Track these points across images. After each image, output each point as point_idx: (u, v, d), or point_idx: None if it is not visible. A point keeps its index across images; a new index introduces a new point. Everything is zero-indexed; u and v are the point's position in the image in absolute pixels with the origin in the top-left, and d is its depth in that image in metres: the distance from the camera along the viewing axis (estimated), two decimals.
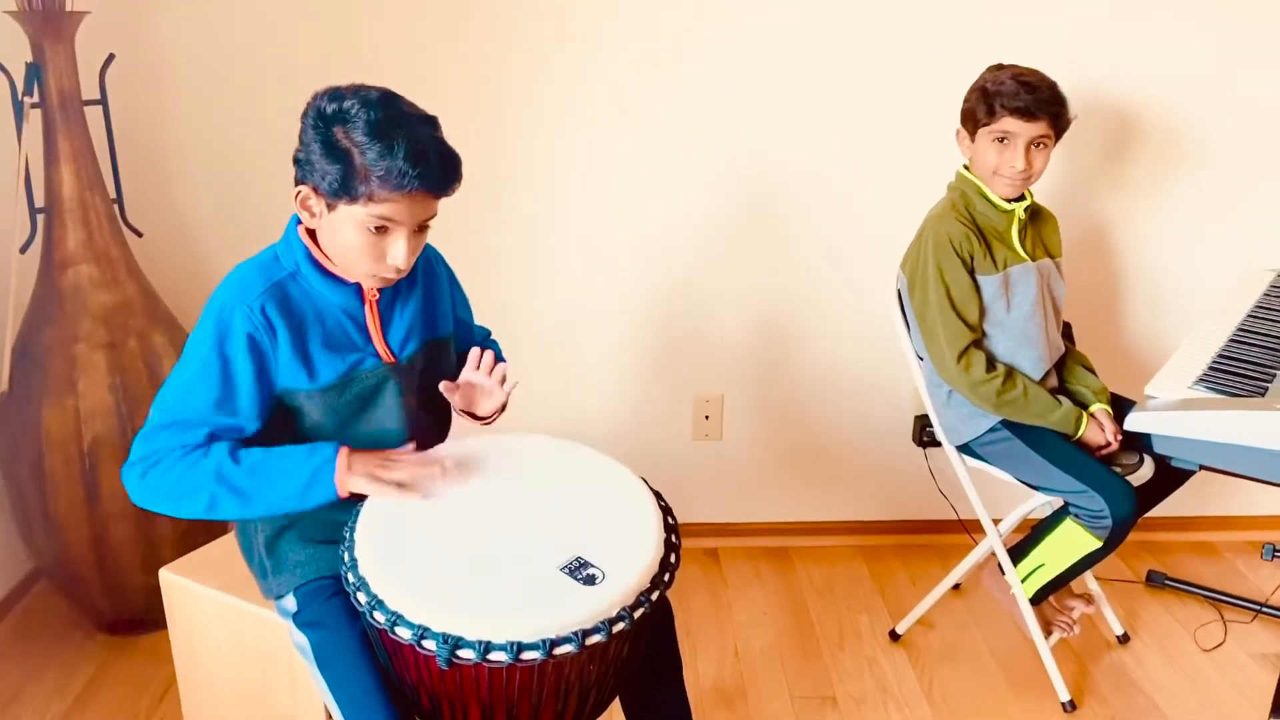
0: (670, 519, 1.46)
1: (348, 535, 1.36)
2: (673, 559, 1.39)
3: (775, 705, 2.12)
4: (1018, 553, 2.08)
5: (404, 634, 1.23)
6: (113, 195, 2.17)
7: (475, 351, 1.58)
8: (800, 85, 2.35)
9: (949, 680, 2.19)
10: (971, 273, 1.99)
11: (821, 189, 2.43)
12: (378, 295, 1.47)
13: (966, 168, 2.05)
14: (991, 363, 2.00)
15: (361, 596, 1.28)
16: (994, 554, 2.12)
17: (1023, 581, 2.06)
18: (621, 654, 1.37)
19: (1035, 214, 2.11)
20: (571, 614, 1.24)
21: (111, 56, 2.11)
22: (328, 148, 1.31)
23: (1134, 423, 1.62)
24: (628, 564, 1.32)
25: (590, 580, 1.29)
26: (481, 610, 1.24)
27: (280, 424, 1.44)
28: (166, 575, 1.63)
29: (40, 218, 2.10)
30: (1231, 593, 2.44)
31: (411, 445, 1.47)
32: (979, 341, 2.01)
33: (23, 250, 2.10)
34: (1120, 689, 2.16)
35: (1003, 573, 2.09)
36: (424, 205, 1.36)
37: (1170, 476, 2.02)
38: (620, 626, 1.27)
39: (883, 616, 2.42)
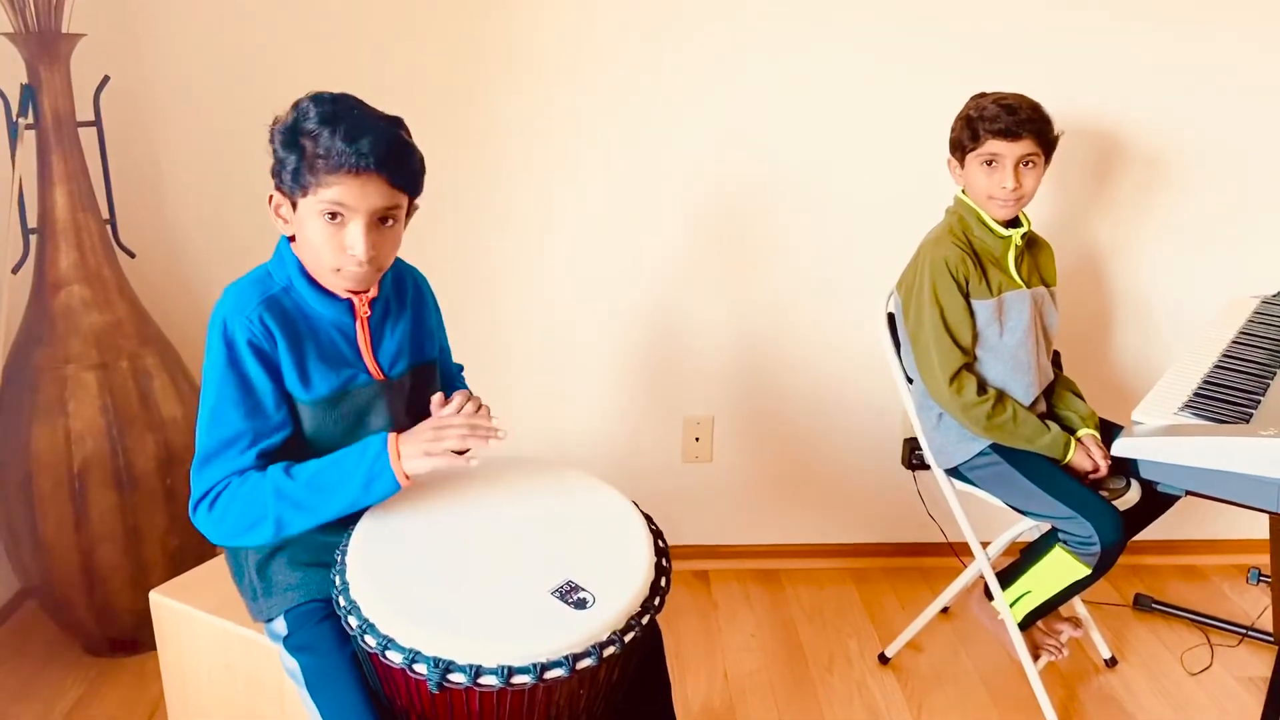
0: (661, 542, 1.46)
1: (339, 559, 1.36)
2: (663, 583, 1.39)
3: None
4: (1006, 577, 2.09)
5: (395, 658, 1.23)
6: (106, 216, 2.18)
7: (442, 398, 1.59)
8: (789, 107, 2.38)
9: (938, 704, 2.19)
10: (966, 297, 2.01)
11: (809, 211, 2.45)
12: (369, 311, 1.48)
13: (964, 193, 2.08)
14: (982, 386, 2.02)
15: (353, 620, 1.28)
16: (981, 578, 2.12)
17: (1011, 606, 2.07)
18: (612, 678, 1.37)
19: (1032, 242, 2.14)
20: (562, 638, 1.24)
21: (106, 78, 2.13)
22: (286, 144, 1.35)
23: (1121, 448, 1.63)
24: (618, 588, 1.33)
25: (581, 604, 1.30)
26: (472, 634, 1.24)
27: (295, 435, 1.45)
28: (156, 597, 1.63)
29: (33, 238, 2.10)
30: (1218, 616, 2.46)
31: (452, 397, 1.48)
32: (970, 365, 2.03)
33: (15, 270, 2.11)
34: (1107, 713, 2.17)
35: (990, 598, 2.10)
36: (375, 190, 1.36)
37: (1157, 501, 2.03)
38: (611, 650, 1.27)
39: (872, 640, 2.42)
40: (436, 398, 1.55)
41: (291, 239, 1.45)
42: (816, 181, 2.43)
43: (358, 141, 1.32)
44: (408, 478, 1.38)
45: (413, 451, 1.37)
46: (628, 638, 1.29)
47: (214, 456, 1.39)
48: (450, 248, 2.44)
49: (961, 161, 2.04)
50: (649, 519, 1.50)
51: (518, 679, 1.22)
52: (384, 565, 1.34)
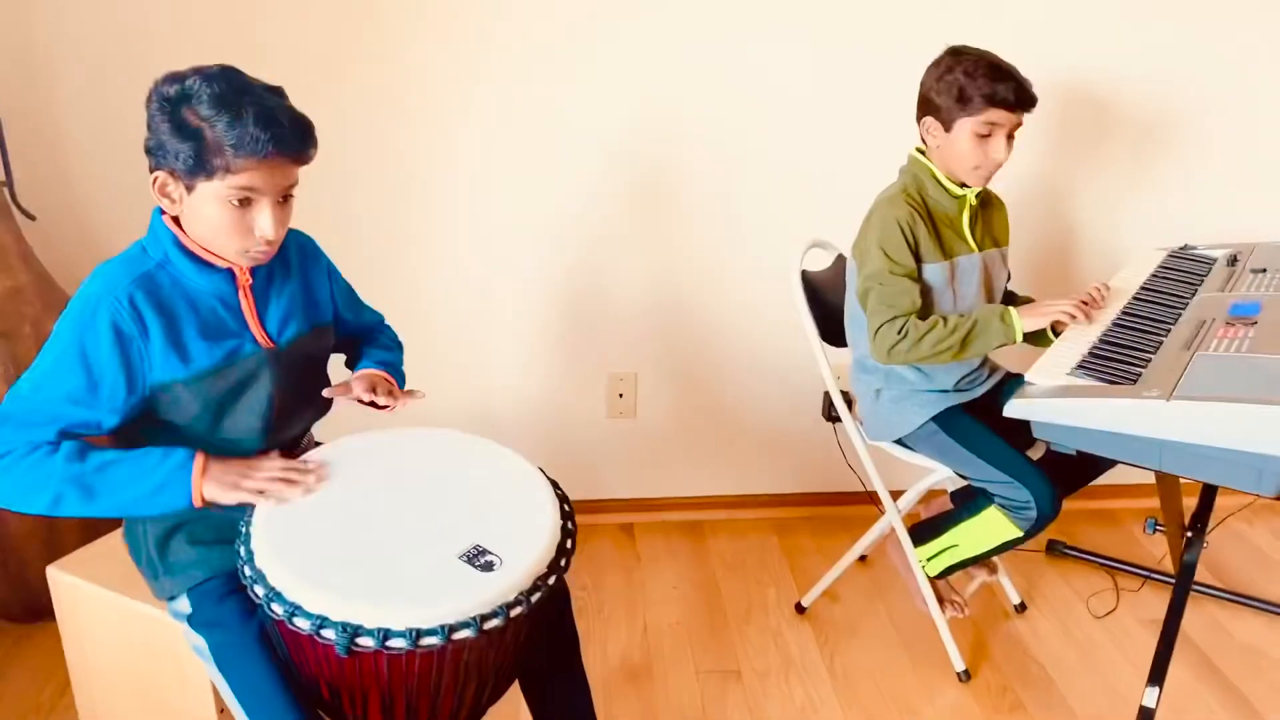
0: (566, 506, 1.49)
1: (243, 529, 1.36)
2: (569, 544, 1.41)
3: (680, 681, 2.16)
4: (932, 529, 2.12)
5: (303, 624, 1.24)
6: (1, 178, 2.11)
7: (366, 380, 1.59)
8: (705, 57, 2.37)
9: (851, 652, 2.26)
10: (918, 260, 1.97)
11: (728, 162, 2.45)
12: (250, 279, 1.46)
13: (921, 151, 2.04)
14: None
15: (259, 589, 1.28)
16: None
17: (933, 559, 2.12)
18: (519, 638, 1.39)
19: (985, 201, 2.11)
20: (470, 600, 1.26)
21: None
22: (176, 128, 1.30)
23: (1013, 409, 1.68)
24: (525, 550, 1.34)
25: (488, 567, 1.31)
26: (380, 598, 1.25)
27: (155, 423, 1.43)
28: (54, 572, 1.60)
29: None
30: (1128, 560, 2.55)
31: (275, 454, 1.46)
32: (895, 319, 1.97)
33: None
34: (1014, 658, 2.25)
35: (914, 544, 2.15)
36: (283, 172, 1.36)
37: (1090, 462, 2.08)
38: (518, 611, 1.29)
39: (790, 589, 2.48)
40: (356, 383, 1.57)
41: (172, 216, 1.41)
42: (735, 133, 2.43)
43: (270, 128, 1.30)
44: (204, 500, 1.37)
45: (221, 478, 1.37)
46: (534, 598, 1.32)
47: (16, 420, 1.34)
48: (358, 209, 2.41)
49: (947, 125, 1.96)
50: (555, 484, 1.52)
51: (426, 640, 1.24)
52: (289, 534, 1.34)
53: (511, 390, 2.61)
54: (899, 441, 2.14)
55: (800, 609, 2.39)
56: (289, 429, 1.56)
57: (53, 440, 1.35)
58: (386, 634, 1.23)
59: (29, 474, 1.33)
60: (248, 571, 1.31)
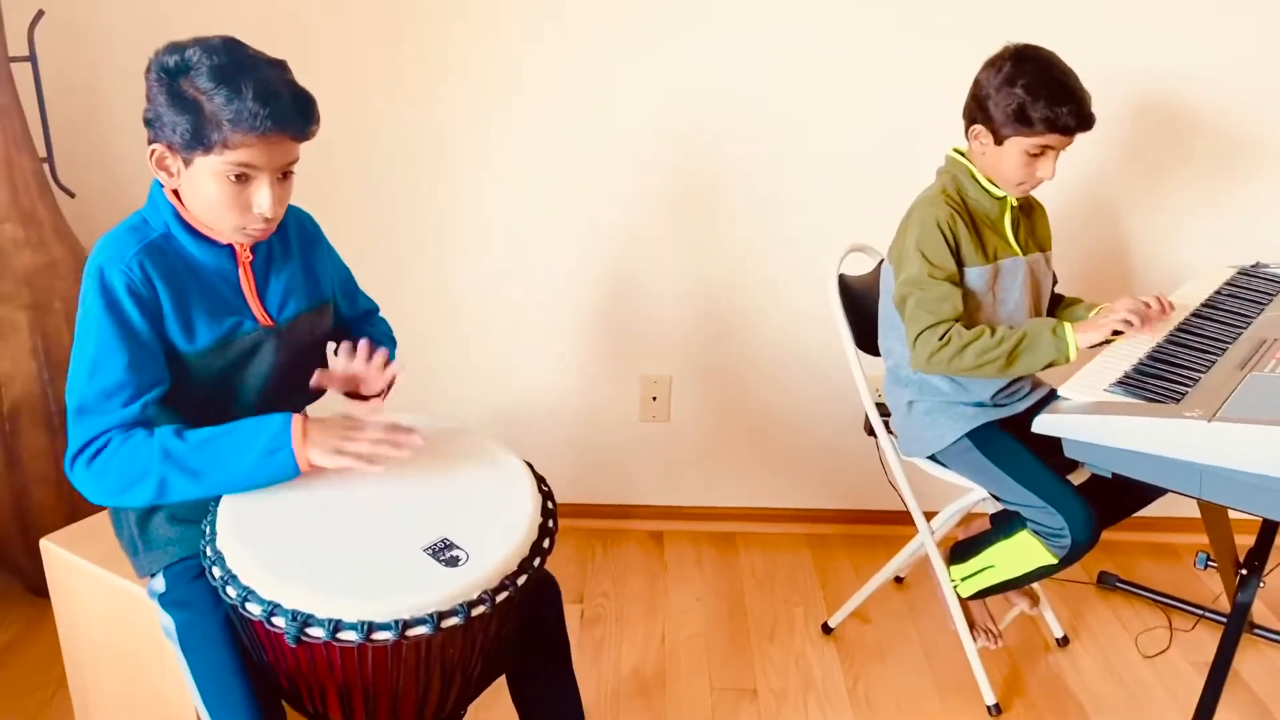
0: (550, 504, 1.42)
1: (212, 507, 1.33)
2: (546, 544, 1.35)
3: (693, 696, 2.08)
4: (969, 548, 2.00)
5: (254, 610, 1.20)
6: (43, 155, 2.14)
7: (350, 346, 1.53)
8: (752, 52, 2.29)
9: (876, 678, 2.14)
10: (960, 263, 1.86)
11: (775, 162, 2.36)
12: (251, 256, 1.43)
13: (960, 152, 1.94)
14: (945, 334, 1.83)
15: (216, 571, 1.25)
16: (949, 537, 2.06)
17: (966, 579, 2.00)
18: (489, 637, 1.33)
19: (1025, 204, 2.00)
20: (427, 595, 1.21)
21: (41, 13, 2.08)
22: (174, 100, 1.27)
23: (1041, 424, 1.56)
24: (494, 547, 1.29)
25: (453, 562, 1.26)
26: (335, 588, 1.21)
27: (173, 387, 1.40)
28: (47, 544, 1.60)
29: None
30: (1183, 597, 2.38)
31: (378, 401, 1.42)
32: (938, 326, 1.83)
33: None
34: (1052, 694, 2.11)
35: (953, 561, 2.03)
36: (283, 148, 1.32)
37: (1137, 492, 1.94)
38: (480, 610, 1.23)
39: (819, 608, 2.37)
40: (342, 350, 1.51)
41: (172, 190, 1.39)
42: (782, 130, 2.34)
43: (269, 103, 1.27)
44: (310, 465, 1.32)
45: (323, 442, 1.32)
46: (500, 597, 1.25)
47: (94, 408, 1.33)
48: (391, 206, 2.39)
49: (998, 138, 1.83)
50: (541, 480, 1.45)
51: (378, 635, 1.19)
52: (254, 517, 1.30)
53: (542, 389, 2.56)
54: (933, 458, 2.02)
55: (827, 630, 2.28)
56: (286, 407, 1.52)
57: (139, 418, 1.33)
58: (338, 625, 1.18)
59: (130, 462, 1.31)
60: (209, 552, 1.28)
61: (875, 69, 2.28)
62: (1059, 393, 1.61)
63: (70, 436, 1.35)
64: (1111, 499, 1.89)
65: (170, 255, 1.38)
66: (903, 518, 2.51)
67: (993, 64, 1.85)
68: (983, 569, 1.97)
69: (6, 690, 2.03)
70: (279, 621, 1.19)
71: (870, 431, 2.52)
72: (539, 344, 2.52)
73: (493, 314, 2.49)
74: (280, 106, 1.28)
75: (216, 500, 1.33)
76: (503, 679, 1.57)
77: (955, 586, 2.03)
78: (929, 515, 2.07)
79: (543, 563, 1.33)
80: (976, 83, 1.88)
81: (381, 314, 1.80)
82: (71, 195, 2.21)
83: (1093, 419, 1.51)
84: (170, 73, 1.28)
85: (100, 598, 1.56)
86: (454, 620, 1.21)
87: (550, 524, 1.39)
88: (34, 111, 2.12)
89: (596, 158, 2.36)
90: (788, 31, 2.26)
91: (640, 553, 2.58)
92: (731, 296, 2.48)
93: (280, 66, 1.34)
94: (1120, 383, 1.59)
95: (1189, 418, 1.43)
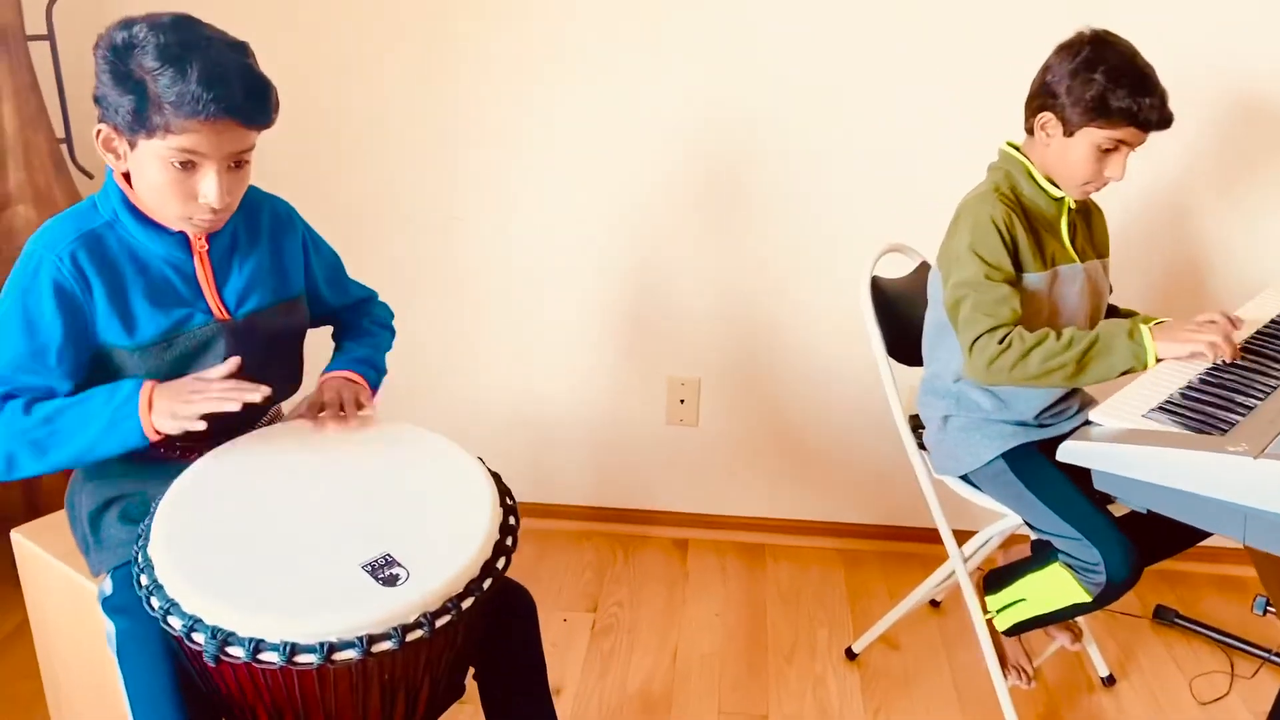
0: (512, 519, 1.32)
1: (153, 508, 1.26)
2: (499, 564, 1.25)
3: (698, 719, 1.96)
4: (1003, 577, 1.84)
5: (175, 624, 1.12)
6: (61, 135, 2.12)
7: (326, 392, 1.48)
8: (787, 46, 2.15)
9: (898, 710, 2.00)
10: (1017, 266, 1.69)
11: (809, 160, 2.22)
12: (206, 245, 1.36)
13: (1014, 146, 1.77)
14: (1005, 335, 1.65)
15: (144, 579, 1.18)
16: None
17: (1003, 610, 1.84)
18: (434, 660, 1.24)
19: (1083, 206, 1.83)
20: (358, 617, 1.12)
21: None
22: (118, 79, 1.21)
23: (1066, 452, 1.40)
24: (439, 567, 1.19)
25: (391, 580, 1.17)
26: (260, 606, 1.12)
27: (96, 375, 1.34)
28: (16, 536, 1.56)
29: None
30: (1248, 639, 2.17)
31: (233, 362, 1.34)
32: (996, 329, 1.65)
33: None
34: None
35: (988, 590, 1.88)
36: (231, 135, 1.24)
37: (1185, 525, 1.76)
38: (417, 635, 1.14)
39: (845, 631, 2.23)
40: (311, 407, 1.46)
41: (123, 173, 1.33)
42: (817, 127, 2.20)
43: (215, 87, 1.19)
44: (158, 433, 1.26)
45: (165, 407, 1.25)
46: (440, 622, 1.16)
47: None
48: (418, 197, 2.31)
49: (1068, 129, 1.67)
50: (508, 494, 1.35)
51: (302, 658, 1.10)
52: (191, 523, 1.23)
53: (566, 388, 2.46)
54: (965, 479, 1.87)
55: (850, 655, 2.14)
56: (245, 406, 1.45)
57: None
58: (259, 645, 1.10)
59: None
60: (139, 559, 1.21)
61: (916, 62, 2.12)
62: (1090, 417, 1.44)
63: None
64: (1158, 533, 1.71)
65: (112, 244, 1.31)
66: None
67: (1068, 47, 1.67)
68: (1016, 600, 1.81)
69: (9, 676, 2.02)
70: (198, 638, 1.11)
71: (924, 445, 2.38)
72: (563, 342, 2.42)
73: (517, 308, 2.40)
74: (226, 91, 1.20)
75: (158, 501, 1.26)
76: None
77: (991, 618, 1.87)
78: (968, 534, 1.92)
79: (494, 586, 1.23)
80: (1047, 67, 1.70)
81: (382, 300, 1.73)
82: (90, 176, 2.19)
83: (1124, 449, 1.35)
84: (116, 50, 1.22)
85: (62, 592, 1.51)
86: (387, 645, 1.12)
87: (509, 541, 1.28)
88: (52, 92, 2.10)
89: (625, 152, 2.25)
90: (823, 24, 2.12)
91: (662, 561, 2.47)
92: (763, 297, 2.34)
93: (238, 49, 1.26)
94: (1162, 408, 1.42)
95: (1232, 453, 1.26)
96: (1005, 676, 1.91)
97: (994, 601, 1.86)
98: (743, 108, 2.20)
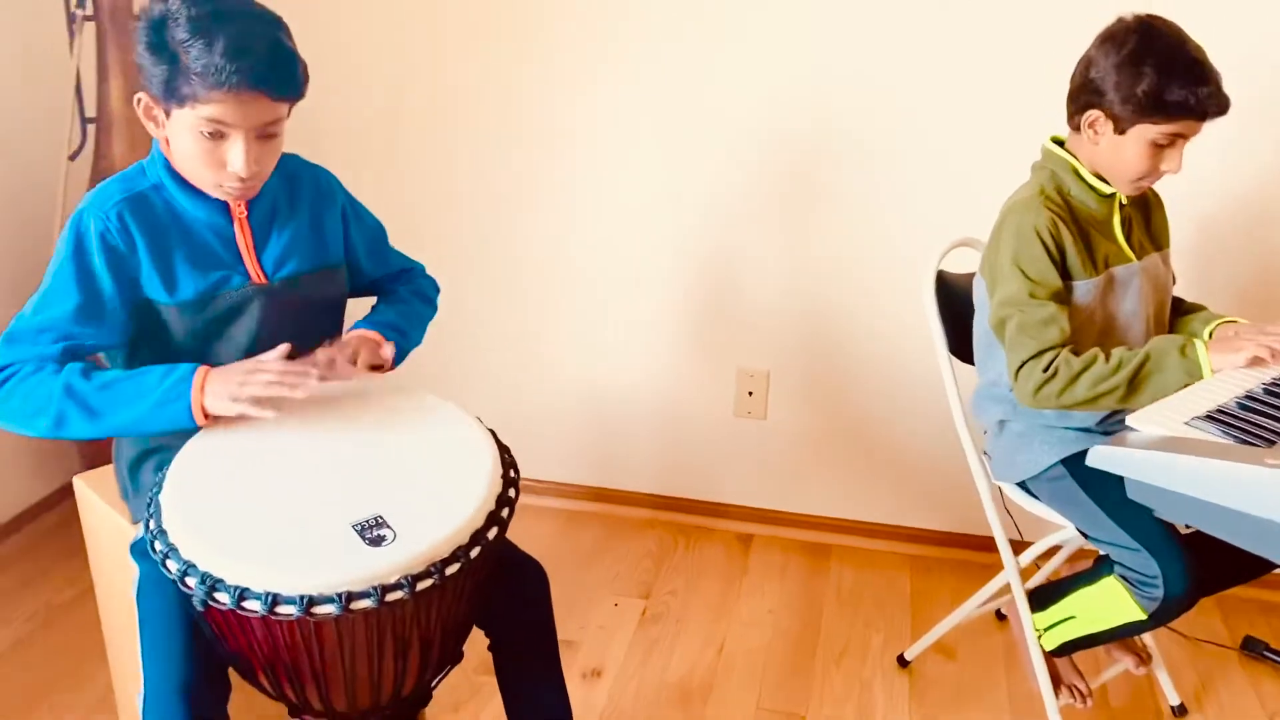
0: (512, 491, 1.32)
1: (172, 459, 1.32)
2: (491, 533, 1.25)
3: (734, 714, 1.93)
4: (1052, 593, 1.76)
5: (173, 567, 1.17)
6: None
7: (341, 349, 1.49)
8: (865, 38, 2.09)
9: None
10: (1066, 275, 1.61)
11: (888, 151, 2.16)
12: (245, 211, 1.41)
13: (1058, 141, 1.68)
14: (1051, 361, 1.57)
15: (152, 524, 1.23)
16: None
17: (1050, 629, 1.76)
18: (424, 621, 1.26)
19: (1140, 197, 1.72)
20: (338, 574, 1.14)
21: None
22: (153, 49, 1.26)
23: (1097, 458, 1.32)
24: (426, 530, 1.20)
25: (377, 541, 1.19)
26: (248, 556, 1.16)
27: (148, 343, 1.40)
28: (78, 483, 1.66)
29: (90, 128, 2.19)
30: None
31: (285, 348, 1.37)
32: (1046, 352, 1.57)
33: (72, 158, 2.21)
34: None
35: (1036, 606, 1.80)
36: (259, 107, 1.28)
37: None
38: (397, 595, 1.15)
39: (902, 637, 2.16)
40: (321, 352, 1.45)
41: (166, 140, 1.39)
42: (888, 120, 2.13)
43: (240, 59, 1.24)
44: (207, 415, 1.30)
45: (218, 391, 1.29)
46: (422, 585, 1.17)
47: (21, 338, 1.33)
48: (487, 184, 2.36)
49: (1120, 127, 1.56)
50: (512, 466, 1.36)
51: (282, 609, 1.13)
52: (202, 475, 1.28)
53: (632, 376, 2.47)
54: (1023, 486, 1.78)
55: (903, 662, 2.07)
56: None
57: (57, 358, 1.34)
58: (243, 594, 1.14)
59: (33, 394, 1.32)
60: (150, 506, 1.26)
61: (985, 53, 2.04)
62: (1129, 421, 1.36)
63: None
64: (1227, 554, 1.59)
65: (157, 206, 1.38)
66: (1019, 548, 2.26)
67: (1111, 38, 1.56)
68: (1065, 618, 1.72)
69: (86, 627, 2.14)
70: (191, 582, 1.16)
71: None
72: (634, 331, 2.42)
73: (588, 300, 2.42)
74: (251, 63, 1.24)
75: (179, 453, 1.32)
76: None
77: (1039, 637, 1.79)
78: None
79: (484, 553, 1.24)
80: (1090, 61, 1.58)
81: (429, 273, 1.75)
82: None
83: (1155, 457, 1.27)
84: (154, 23, 1.27)
85: (111, 536, 1.60)
86: (365, 602, 1.14)
87: (504, 512, 1.29)
88: None
89: (698, 146, 2.24)
90: (892, 18, 2.06)
91: (724, 554, 2.44)
92: (834, 291, 2.29)
93: (268, 22, 1.30)
94: (1210, 416, 1.33)
95: (1271, 465, 1.17)
96: (1058, 695, 1.81)
97: (1041, 620, 1.77)
98: (813, 102, 2.15)
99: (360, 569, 1.15)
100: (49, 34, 2.29)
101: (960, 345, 1.88)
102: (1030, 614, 1.79)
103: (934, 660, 2.08)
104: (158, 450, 1.47)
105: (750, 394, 2.41)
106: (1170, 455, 1.25)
